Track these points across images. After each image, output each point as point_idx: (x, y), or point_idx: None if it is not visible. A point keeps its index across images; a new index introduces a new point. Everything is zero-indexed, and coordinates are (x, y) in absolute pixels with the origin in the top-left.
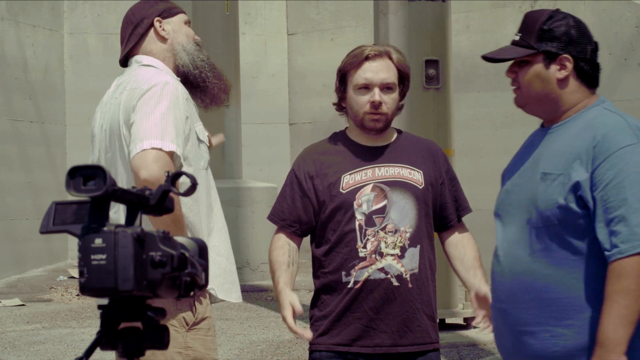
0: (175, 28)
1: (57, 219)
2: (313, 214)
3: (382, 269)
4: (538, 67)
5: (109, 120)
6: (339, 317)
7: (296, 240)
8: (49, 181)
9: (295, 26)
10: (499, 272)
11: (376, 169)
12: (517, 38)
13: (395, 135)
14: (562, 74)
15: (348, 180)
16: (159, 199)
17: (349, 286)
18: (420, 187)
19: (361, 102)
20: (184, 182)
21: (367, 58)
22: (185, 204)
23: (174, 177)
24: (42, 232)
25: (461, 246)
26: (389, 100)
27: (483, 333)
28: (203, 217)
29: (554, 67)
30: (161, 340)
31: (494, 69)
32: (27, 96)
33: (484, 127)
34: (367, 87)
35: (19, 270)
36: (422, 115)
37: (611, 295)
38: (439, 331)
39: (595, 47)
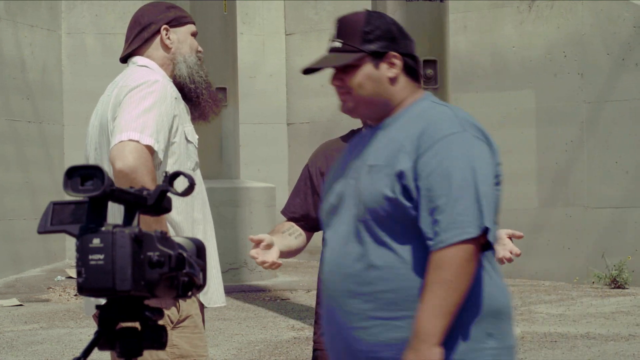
0: (181, 38)
1: (55, 219)
2: None
3: None
4: (367, 68)
5: (99, 117)
6: None
7: (305, 233)
8: (47, 181)
9: (293, 26)
10: (327, 272)
11: None
12: (337, 44)
13: None
14: (393, 72)
15: None
16: (156, 199)
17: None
18: None
19: None
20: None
21: None
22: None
23: (171, 177)
24: (39, 232)
25: None
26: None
27: None
28: (189, 219)
29: (383, 67)
30: (159, 340)
31: (492, 70)
32: (24, 96)
33: None
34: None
35: (17, 270)
36: None
37: (429, 286)
38: None
39: (413, 42)
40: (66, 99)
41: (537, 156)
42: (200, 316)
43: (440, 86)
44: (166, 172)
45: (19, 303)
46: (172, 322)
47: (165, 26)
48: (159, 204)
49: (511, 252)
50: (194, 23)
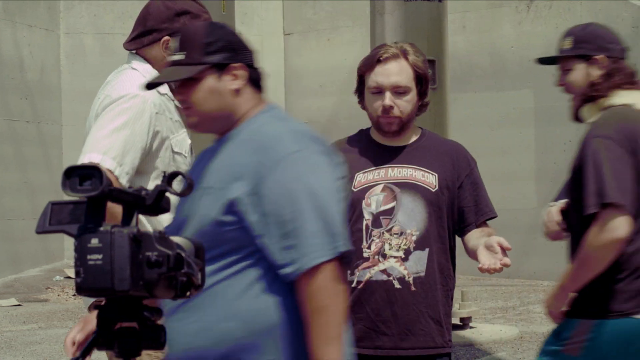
0: None
1: (54, 219)
2: None
3: (384, 271)
4: (210, 81)
5: (88, 119)
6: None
7: None
8: (45, 181)
9: (291, 26)
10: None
11: (389, 169)
12: (179, 57)
13: (416, 136)
14: (237, 83)
15: (360, 179)
16: (155, 199)
17: (353, 285)
18: (433, 190)
19: (375, 105)
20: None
21: (379, 60)
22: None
23: (170, 177)
24: (38, 232)
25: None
26: (402, 104)
27: (479, 333)
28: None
29: (226, 79)
30: (157, 340)
31: (491, 69)
32: (23, 96)
33: (480, 127)
34: (379, 91)
35: (16, 270)
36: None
37: (310, 316)
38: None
39: (254, 53)
40: (65, 99)
41: (535, 156)
42: None
43: (438, 86)
44: (164, 172)
45: (18, 303)
46: None
47: (166, 38)
48: (158, 204)
49: (501, 262)
50: None
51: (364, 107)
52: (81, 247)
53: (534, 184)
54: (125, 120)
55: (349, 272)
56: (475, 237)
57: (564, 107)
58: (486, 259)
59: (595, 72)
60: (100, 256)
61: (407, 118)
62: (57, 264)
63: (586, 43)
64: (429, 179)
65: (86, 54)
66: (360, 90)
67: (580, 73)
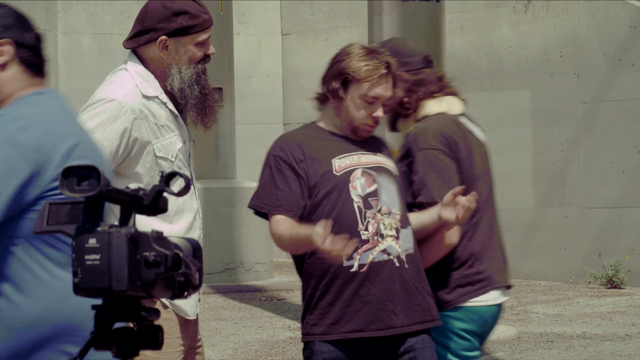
0: (181, 50)
1: (51, 219)
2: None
3: (384, 251)
4: None
5: None
6: (349, 303)
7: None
8: None
9: (289, 26)
10: None
11: (361, 155)
12: None
13: None
14: (2, 59)
15: (340, 164)
16: (152, 199)
17: (353, 270)
18: (397, 174)
19: (363, 112)
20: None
21: (380, 75)
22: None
23: (168, 177)
24: (35, 232)
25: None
26: (381, 115)
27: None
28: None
29: None
30: (155, 340)
31: (488, 70)
32: None
33: None
34: (372, 102)
35: None
36: None
37: None
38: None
39: (38, 36)
40: None
41: (533, 156)
42: (173, 321)
43: None
44: (162, 172)
45: None
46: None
47: (162, 38)
48: (155, 204)
49: (462, 206)
50: (205, 28)
51: (337, 107)
52: (79, 247)
53: (531, 184)
54: (95, 124)
55: (345, 258)
56: (415, 215)
57: (561, 107)
58: (449, 212)
59: (400, 91)
60: (97, 256)
61: None
62: None
63: None
64: (392, 165)
65: (84, 54)
66: (341, 90)
67: None
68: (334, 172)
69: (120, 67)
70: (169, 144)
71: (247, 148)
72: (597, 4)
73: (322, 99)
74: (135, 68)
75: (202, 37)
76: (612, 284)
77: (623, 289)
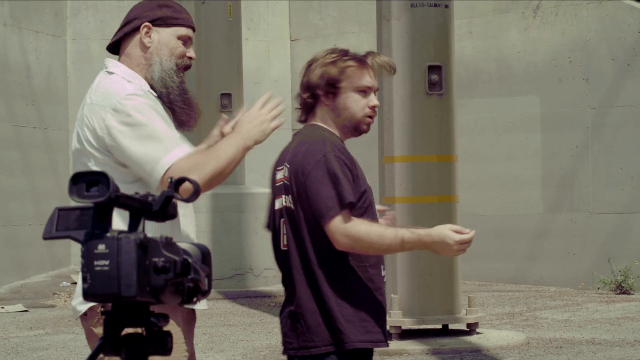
0: (163, 40)
1: (60, 225)
2: None
3: None
4: None
5: (76, 125)
6: (385, 312)
7: None
8: (51, 187)
9: (298, 32)
10: None
11: None
12: None
13: None
14: None
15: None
16: (162, 205)
17: (385, 280)
18: None
19: (360, 104)
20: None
21: (365, 63)
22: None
23: (177, 183)
24: (45, 238)
25: None
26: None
27: (486, 339)
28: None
29: None
30: (164, 346)
31: (497, 75)
32: (29, 102)
33: (487, 132)
34: (365, 92)
35: (22, 276)
36: (425, 121)
37: None
38: (442, 337)
39: None
40: (71, 104)
41: (542, 161)
42: (176, 324)
43: (445, 92)
44: (171, 178)
45: (24, 309)
46: None
47: (146, 24)
48: (164, 209)
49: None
50: (188, 26)
51: (334, 108)
52: (88, 253)
53: (540, 189)
54: (145, 117)
55: (382, 267)
56: None
57: (570, 112)
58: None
59: None
60: (107, 262)
61: None
62: (63, 269)
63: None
64: None
65: (93, 60)
66: (333, 91)
67: None
68: (368, 186)
69: (101, 73)
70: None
71: (256, 154)
72: (606, 9)
73: (305, 110)
74: (119, 69)
75: (184, 31)
76: (622, 289)
77: (632, 294)
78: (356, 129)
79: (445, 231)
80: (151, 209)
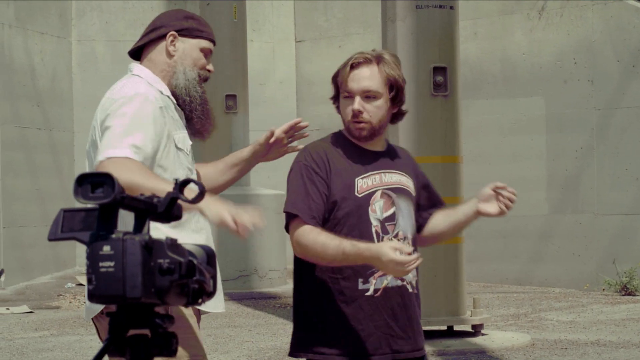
0: (187, 50)
1: (66, 226)
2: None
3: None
4: None
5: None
6: (362, 327)
7: None
8: (56, 188)
9: (303, 33)
10: None
11: (382, 174)
12: None
13: (385, 142)
14: None
15: (362, 185)
16: (167, 206)
17: (368, 294)
18: (414, 194)
19: (346, 110)
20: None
21: (352, 66)
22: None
23: (182, 184)
24: (50, 240)
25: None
26: (371, 109)
27: (491, 340)
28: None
29: None
30: (169, 348)
31: (502, 76)
32: (34, 103)
33: (492, 134)
34: (351, 96)
35: (27, 277)
36: (430, 122)
37: None
38: (447, 338)
39: None
40: (76, 106)
41: (547, 163)
42: (194, 317)
43: (450, 93)
44: (176, 180)
45: (29, 310)
46: None
47: (173, 32)
48: (169, 211)
49: (507, 199)
50: (210, 40)
51: (340, 113)
52: (93, 254)
53: (545, 190)
54: (129, 118)
55: (361, 280)
56: (443, 215)
57: (575, 114)
58: (491, 206)
59: None
60: (112, 263)
61: (378, 124)
62: (68, 271)
63: None
64: (410, 184)
65: (98, 61)
66: (337, 96)
67: None
68: (356, 194)
69: (126, 76)
70: (184, 138)
71: None
72: (611, 10)
73: (339, 112)
74: (143, 72)
75: (206, 44)
76: (627, 290)
77: (637, 295)
78: (350, 133)
79: (384, 249)
80: (156, 210)
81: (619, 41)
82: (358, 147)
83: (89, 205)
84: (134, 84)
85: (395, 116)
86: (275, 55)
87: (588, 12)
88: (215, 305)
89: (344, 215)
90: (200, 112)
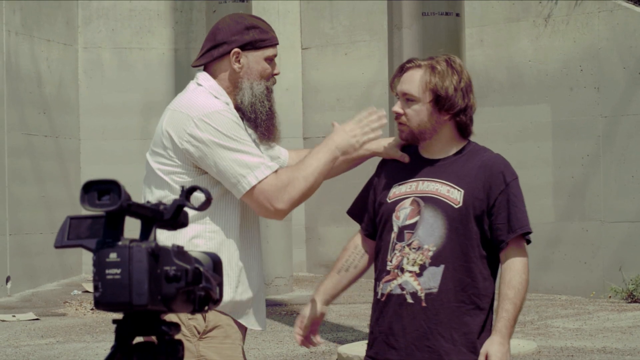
0: (252, 64)
1: (72, 234)
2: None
3: (400, 285)
4: None
5: (156, 130)
6: (374, 329)
7: (369, 243)
8: (63, 195)
9: (309, 40)
10: None
11: (420, 182)
12: None
13: (456, 149)
14: None
15: (395, 191)
16: (173, 214)
17: (378, 297)
18: (456, 207)
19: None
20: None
21: (401, 69)
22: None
23: (188, 192)
24: (56, 247)
25: (505, 274)
26: (409, 112)
27: None
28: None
29: None
30: (175, 355)
31: (509, 84)
32: (41, 110)
33: (498, 141)
34: (398, 98)
35: (33, 284)
36: None
37: None
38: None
39: None
40: (82, 113)
41: (553, 170)
42: (233, 327)
43: None
44: (183, 187)
45: (36, 317)
46: (198, 333)
47: (236, 50)
48: (176, 218)
49: None
50: (273, 45)
51: None
52: (99, 261)
53: (551, 197)
54: (222, 137)
55: (378, 284)
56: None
57: (581, 121)
58: None
59: None
60: (118, 271)
61: (417, 128)
62: (74, 278)
63: None
64: (454, 195)
65: (104, 69)
66: None
67: None
68: (387, 200)
69: (191, 84)
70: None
71: None
72: (617, 18)
73: None
74: (209, 83)
75: (271, 52)
76: (633, 298)
77: None
78: None
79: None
80: (162, 218)
81: (625, 48)
82: (417, 155)
83: (96, 213)
84: (202, 96)
85: (460, 125)
86: (281, 62)
87: (594, 19)
88: (262, 322)
89: (379, 219)
90: (264, 129)
